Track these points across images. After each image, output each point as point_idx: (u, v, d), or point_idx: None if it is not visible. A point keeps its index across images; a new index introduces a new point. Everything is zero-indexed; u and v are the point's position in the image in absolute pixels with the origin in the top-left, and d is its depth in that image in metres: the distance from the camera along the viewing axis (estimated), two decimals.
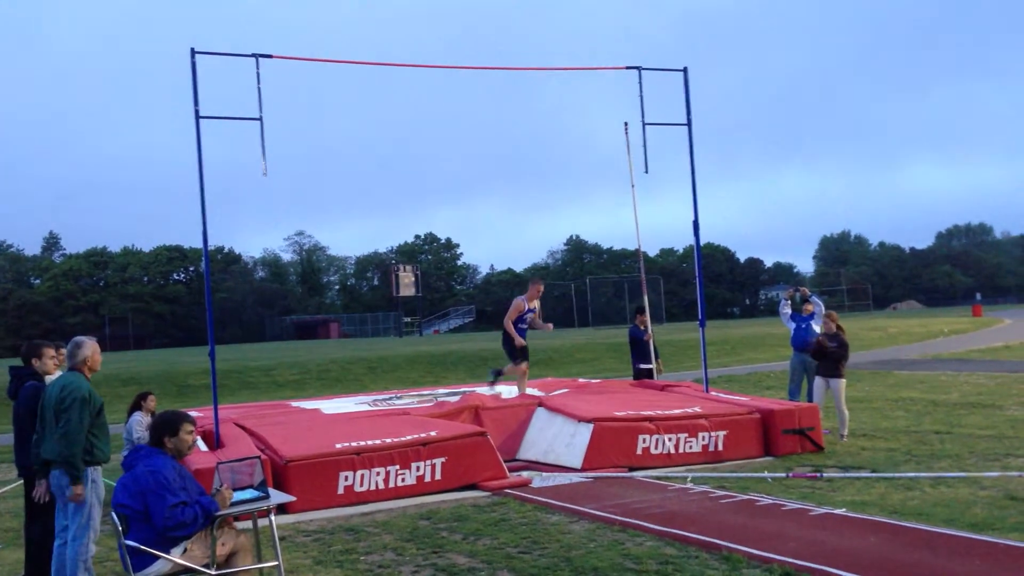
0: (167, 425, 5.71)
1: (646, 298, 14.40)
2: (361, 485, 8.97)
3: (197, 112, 10.00)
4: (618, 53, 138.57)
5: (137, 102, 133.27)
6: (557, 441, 10.77)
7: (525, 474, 10.11)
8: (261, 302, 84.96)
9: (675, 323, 63.36)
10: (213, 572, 5.38)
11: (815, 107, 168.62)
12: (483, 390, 13.31)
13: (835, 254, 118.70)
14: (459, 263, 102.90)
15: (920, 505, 7.70)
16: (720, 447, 10.63)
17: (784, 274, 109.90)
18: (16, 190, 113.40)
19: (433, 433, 9.63)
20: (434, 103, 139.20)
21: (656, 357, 14.99)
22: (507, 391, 13.18)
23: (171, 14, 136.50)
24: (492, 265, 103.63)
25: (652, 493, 8.85)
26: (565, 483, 9.59)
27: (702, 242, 13.07)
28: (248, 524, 6.46)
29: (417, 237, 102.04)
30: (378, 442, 9.28)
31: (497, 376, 13.29)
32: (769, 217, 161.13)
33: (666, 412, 10.80)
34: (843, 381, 11.89)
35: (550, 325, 13.37)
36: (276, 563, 5.75)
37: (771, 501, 8.10)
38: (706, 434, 10.60)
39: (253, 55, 10.36)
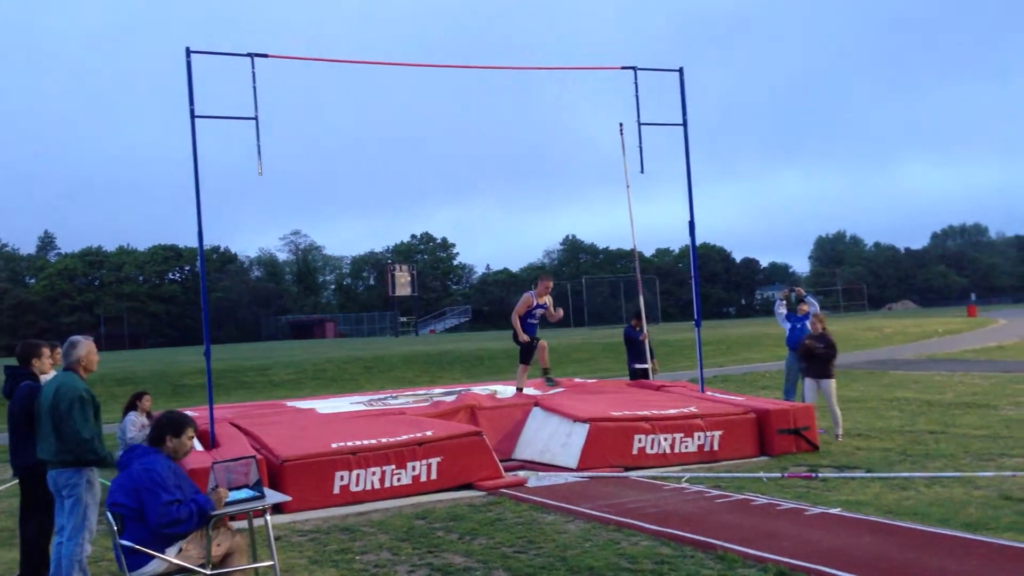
0: (173, 425, 5.71)
1: (642, 298, 14.44)
2: (357, 485, 8.96)
3: (193, 111, 10.00)
4: (614, 53, 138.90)
5: (133, 101, 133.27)
6: (553, 441, 10.78)
7: (521, 474, 10.11)
8: (257, 302, 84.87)
9: (671, 323, 63.41)
10: (209, 572, 5.37)
11: (811, 108, 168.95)
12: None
13: (831, 254, 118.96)
14: (455, 263, 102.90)
15: (915, 505, 7.72)
16: (716, 447, 10.65)
17: (780, 274, 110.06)
18: (11, 189, 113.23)
19: (429, 433, 9.63)
20: (430, 103, 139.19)
21: (652, 357, 15.02)
22: (502, 391, 13.19)
23: (167, 13, 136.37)
24: (488, 265, 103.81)
25: (647, 493, 8.86)
26: (561, 483, 9.59)
27: (698, 242, 13.09)
28: (244, 524, 6.45)
29: (413, 236, 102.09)
30: (374, 442, 9.28)
31: (550, 382, 13.13)
32: (765, 217, 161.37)
33: (662, 412, 10.81)
34: (833, 381, 11.91)
35: (560, 311, 13.28)
36: (272, 563, 5.75)
37: (766, 501, 8.12)
38: (702, 434, 10.61)
39: (248, 54, 10.36)
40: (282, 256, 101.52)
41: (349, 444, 9.19)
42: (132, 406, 11.25)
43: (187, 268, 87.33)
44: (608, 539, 7.00)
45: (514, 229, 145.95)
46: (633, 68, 12.40)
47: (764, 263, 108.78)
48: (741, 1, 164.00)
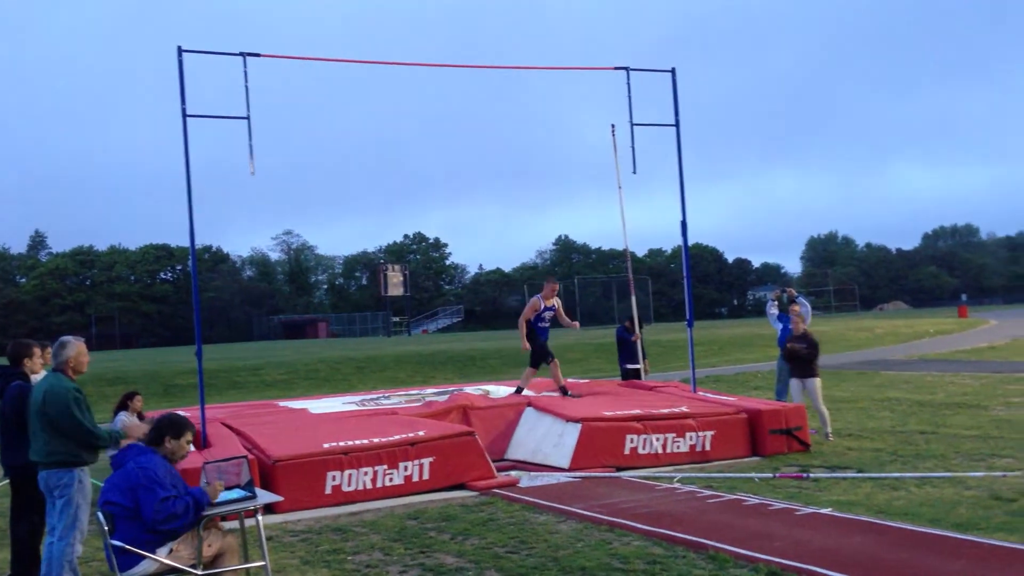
0: (174, 426, 5.72)
1: (634, 299, 14.43)
2: (349, 485, 8.95)
3: (184, 111, 9.97)
4: (608, 54, 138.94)
5: (124, 100, 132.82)
6: (545, 441, 10.78)
7: (513, 474, 10.12)
8: (249, 301, 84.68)
9: (663, 323, 63.51)
10: (200, 572, 5.36)
11: (803, 109, 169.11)
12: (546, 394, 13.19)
13: (822, 255, 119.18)
14: (448, 263, 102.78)
15: (906, 505, 7.74)
16: (707, 447, 10.66)
17: (772, 275, 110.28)
18: (1, 188, 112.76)
19: (421, 433, 9.62)
20: (423, 103, 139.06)
21: (643, 357, 15.03)
22: (495, 390, 13.20)
23: (159, 12, 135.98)
24: (481, 265, 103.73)
25: (639, 493, 8.87)
26: (553, 483, 9.60)
27: (690, 242, 13.10)
28: (235, 524, 6.44)
29: (406, 236, 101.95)
30: (366, 442, 9.26)
31: (564, 393, 12.95)
32: (757, 218, 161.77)
33: (654, 412, 10.82)
34: (818, 380, 11.95)
35: (576, 324, 13.34)
36: (263, 563, 5.74)
37: (758, 501, 8.13)
38: (694, 434, 10.63)
39: (240, 54, 10.34)
40: (274, 256, 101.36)
41: (341, 444, 9.18)
42: (123, 406, 11.21)
43: (179, 268, 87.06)
44: (600, 539, 7.01)
45: (507, 229, 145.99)
46: (626, 69, 12.41)
47: (756, 263, 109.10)
48: (734, 2, 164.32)
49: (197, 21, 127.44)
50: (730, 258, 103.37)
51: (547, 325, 12.81)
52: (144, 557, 5.24)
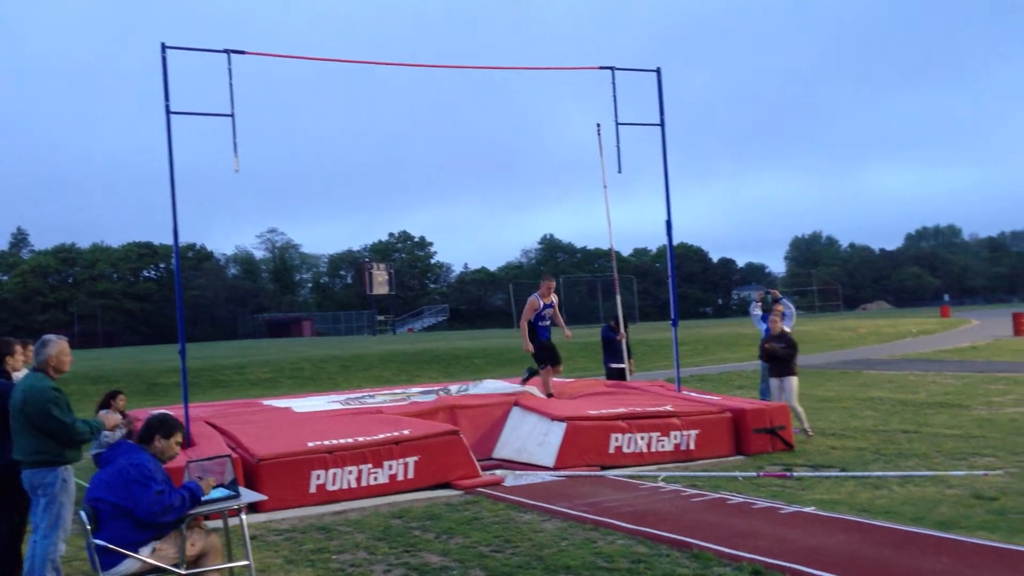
0: (164, 426, 5.71)
1: (619, 298, 14.46)
2: (333, 484, 8.93)
3: (168, 108, 9.91)
4: (593, 54, 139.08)
5: (107, 97, 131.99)
6: (530, 440, 10.79)
7: (498, 473, 10.11)
8: (233, 300, 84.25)
9: (648, 322, 63.63)
10: (183, 572, 5.33)
11: (787, 109, 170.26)
12: (512, 387, 13.23)
13: (806, 255, 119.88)
14: (433, 262, 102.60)
15: (888, 504, 7.79)
16: (692, 446, 10.69)
17: (756, 274, 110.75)
18: None
19: (406, 432, 9.61)
20: (409, 102, 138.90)
21: (629, 357, 15.06)
22: (491, 388, 13.20)
23: (143, 8, 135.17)
24: (466, 264, 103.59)
25: (624, 492, 8.89)
26: (538, 482, 9.60)
27: (675, 242, 13.13)
28: (219, 523, 6.41)
29: (391, 235, 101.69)
30: (350, 441, 9.24)
31: (531, 375, 13.06)
32: (742, 218, 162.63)
33: (638, 411, 10.85)
34: (796, 379, 12.02)
35: (569, 335, 13.36)
36: (247, 563, 5.72)
37: (742, 500, 8.17)
38: (678, 433, 10.66)
39: (225, 51, 10.28)
40: (259, 254, 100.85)
41: (326, 443, 9.15)
42: (106, 404, 11.11)
43: (162, 266, 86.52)
44: (584, 538, 7.02)
45: (492, 228, 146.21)
46: (611, 68, 12.43)
47: (741, 263, 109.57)
48: (718, 4, 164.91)
49: (181, 18, 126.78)
50: (715, 258, 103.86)
51: (548, 324, 12.78)
52: (126, 556, 5.21)
